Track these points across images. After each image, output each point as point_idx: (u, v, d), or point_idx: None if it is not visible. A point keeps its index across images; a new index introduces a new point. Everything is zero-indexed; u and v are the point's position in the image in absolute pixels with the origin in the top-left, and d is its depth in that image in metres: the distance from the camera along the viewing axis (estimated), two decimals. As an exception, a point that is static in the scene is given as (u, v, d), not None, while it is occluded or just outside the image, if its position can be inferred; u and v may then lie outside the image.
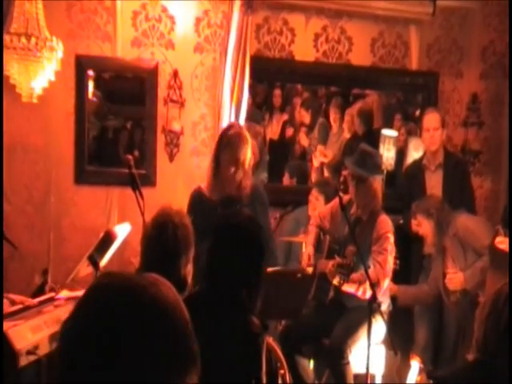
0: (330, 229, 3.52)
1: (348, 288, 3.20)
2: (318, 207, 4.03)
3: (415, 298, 3.80)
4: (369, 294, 3.12)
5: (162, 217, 2.33)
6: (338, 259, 3.24)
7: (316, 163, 4.84)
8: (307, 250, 3.52)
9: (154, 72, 4.29)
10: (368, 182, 3.32)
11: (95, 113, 4.35)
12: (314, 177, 4.82)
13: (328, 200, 3.96)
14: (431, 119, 3.97)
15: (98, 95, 4.38)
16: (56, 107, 4.15)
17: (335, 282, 3.20)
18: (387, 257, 3.25)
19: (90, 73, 4.28)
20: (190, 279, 2.40)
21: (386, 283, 3.24)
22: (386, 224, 3.33)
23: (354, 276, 3.17)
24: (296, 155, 4.96)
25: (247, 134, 3.16)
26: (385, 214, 3.40)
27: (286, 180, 4.82)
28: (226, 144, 3.07)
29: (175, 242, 2.28)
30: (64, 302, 2.95)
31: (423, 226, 3.62)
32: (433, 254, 3.71)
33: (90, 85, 4.30)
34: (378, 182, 3.38)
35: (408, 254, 4.00)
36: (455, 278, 3.53)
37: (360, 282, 3.13)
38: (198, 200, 3.16)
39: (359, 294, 3.15)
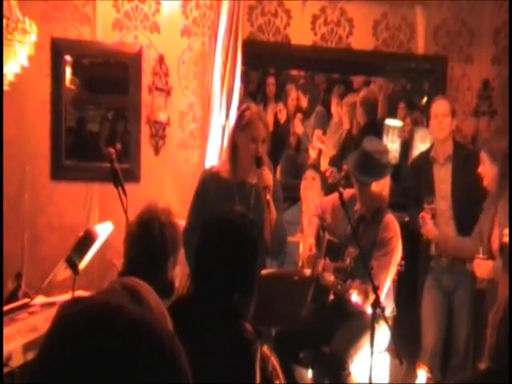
0: (330, 224, 3.50)
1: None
2: (315, 189, 4.07)
3: (455, 248, 3.74)
4: (358, 299, 3.14)
5: (147, 215, 2.32)
6: (335, 264, 3.26)
7: (313, 154, 4.83)
8: (308, 241, 3.51)
9: (137, 57, 4.27)
10: (372, 185, 3.30)
11: (73, 102, 4.33)
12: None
13: (324, 181, 4.02)
14: (440, 105, 3.99)
15: (76, 83, 4.36)
16: (30, 96, 4.13)
17: (327, 282, 3.22)
18: (388, 272, 3.23)
19: (68, 58, 4.26)
20: (177, 283, 2.40)
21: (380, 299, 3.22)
22: (392, 226, 3.32)
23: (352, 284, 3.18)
24: (290, 147, 4.96)
25: (264, 115, 3.23)
26: (391, 213, 3.39)
27: (278, 175, 4.82)
28: (245, 125, 3.11)
29: (162, 242, 2.27)
30: (39, 308, 2.94)
31: (486, 165, 3.48)
32: (485, 204, 3.62)
33: (68, 71, 4.28)
34: (383, 183, 3.34)
35: (414, 254, 4.01)
36: (483, 265, 3.38)
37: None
38: (212, 182, 3.19)
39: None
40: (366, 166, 3.29)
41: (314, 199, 4.05)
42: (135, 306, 0.86)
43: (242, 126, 3.13)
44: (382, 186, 3.34)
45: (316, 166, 4.44)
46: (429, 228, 3.50)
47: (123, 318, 0.84)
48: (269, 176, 3.06)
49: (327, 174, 4.47)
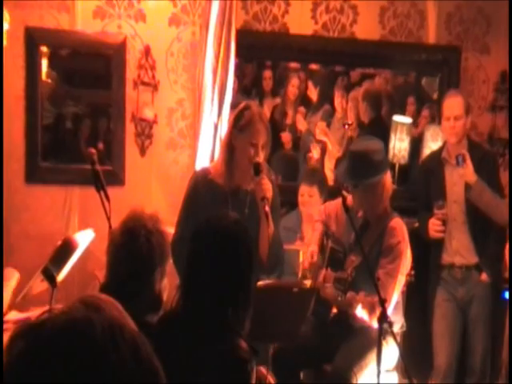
0: (335, 231, 3.51)
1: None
2: (315, 205, 4.05)
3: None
4: (363, 313, 3.16)
5: (132, 221, 2.34)
6: (335, 274, 3.28)
7: (316, 154, 4.85)
8: (310, 248, 3.52)
9: (121, 49, 4.29)
10: (368, 187, 3.30)
11: (50, 97, 4.34)
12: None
13: (323, 192, 4.02)
14: (453, 105, 3.93)
15: (54, 76, 4.38)
16: (2, 90, 4.14)
17: (327, 294, 3.26)
18: (396, 282, 3.25)
19: (44, 49, 4.27)
20: (165, 296, 2.42)
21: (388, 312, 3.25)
22: (398, 230, 3.33)
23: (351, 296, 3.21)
24: (288, 145, 4.97)
25: (266, 116, 3.23)
26: (398, 216, 3.40)
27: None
28: (244, 126, 3.10)
29: (148, 251, 2.29)
30: (12, 325, 2.95)
31: None
32: None
33: (44, 63, 4.29)
34: (382, 184, 3.33)
35: (424, 262, 4.03)
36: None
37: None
38: (203, 187, 3.18)
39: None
40: (355, 167, 3.30)
41: (313, 213, 4.01)
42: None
43: (241, 126, 3.10)
44: (380, 187, 3.34)
45: (308, 175, 4.32)
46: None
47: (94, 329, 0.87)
48: (268, 186, 3.03)
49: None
